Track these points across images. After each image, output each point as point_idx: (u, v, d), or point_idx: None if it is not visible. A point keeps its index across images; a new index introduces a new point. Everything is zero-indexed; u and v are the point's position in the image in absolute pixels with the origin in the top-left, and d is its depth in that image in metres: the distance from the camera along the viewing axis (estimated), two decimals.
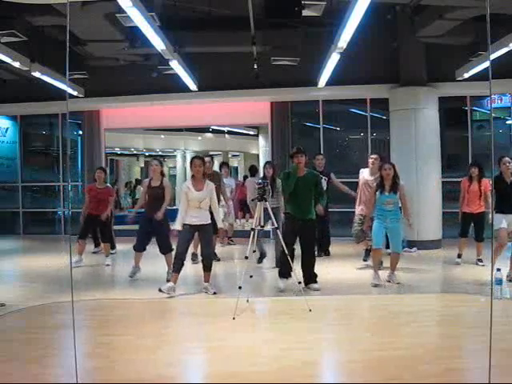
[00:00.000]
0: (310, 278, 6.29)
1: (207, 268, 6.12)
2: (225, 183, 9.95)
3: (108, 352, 4.09)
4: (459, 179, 8.10)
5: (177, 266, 5.99)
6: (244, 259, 5.69)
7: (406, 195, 6.70)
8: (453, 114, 11.48)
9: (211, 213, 6.16)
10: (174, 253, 6.23)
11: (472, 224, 7.78)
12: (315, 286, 6.25)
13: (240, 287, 5.28)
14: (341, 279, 6.98)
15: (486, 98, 10.98)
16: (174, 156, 21.81)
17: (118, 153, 20.17)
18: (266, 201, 5.65)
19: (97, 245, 9.21)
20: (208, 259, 6.15)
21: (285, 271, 6.15)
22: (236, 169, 23.81)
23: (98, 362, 3.89)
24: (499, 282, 5.43)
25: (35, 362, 3.86)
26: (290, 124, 11.62)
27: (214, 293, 6.06)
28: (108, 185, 8.63)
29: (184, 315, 5.50)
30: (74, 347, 3.28)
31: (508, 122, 11.45)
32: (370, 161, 7.56)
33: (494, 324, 2.87)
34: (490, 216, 7.22)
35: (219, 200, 7.43)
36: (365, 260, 7.77)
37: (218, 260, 8.21)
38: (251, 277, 5.98)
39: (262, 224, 5.67)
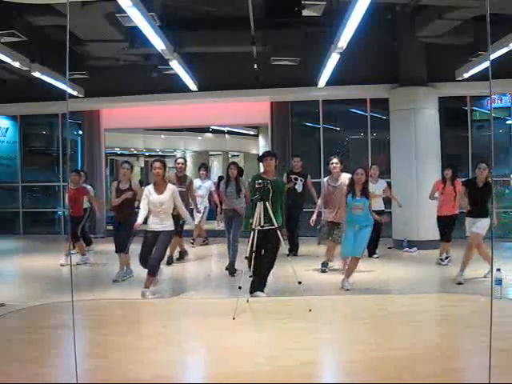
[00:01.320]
0: (259, 285, 5.91)
1: (150, 272, 5.89)
2: (201, 185, 9.96)
3: (107, 352, 4.09)
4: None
5: (150, 270, 5.87)
6: (244, 259, 5.68)
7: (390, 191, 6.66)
8: (453, 114, 11.47)
9: (177, 217, 6.11)
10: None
11: (444, 225, 7.87)
12: (262, 294, 5.89)
13: (240, 287, 5.28)
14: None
15: (486, 97, 10.99)
16: (174, 156, 21.81)
17: (118, 153, 20.15)
18: (266, 201, 5.61)
19: (89, 244, 9.22)
20: (153, 263, 5.87)
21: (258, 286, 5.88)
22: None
23: (97, 362, 3.88)
24: (499, 282, 5.43)
25: (35, 362, 3.86)
26: (290, 124, 11.63)
27: (150, 298, 5.90)
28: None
29: (184, 315, 5.49)
30: (74, 347, 3.28)
31: (508, 122, 11.45)
32: (332, 166, 7.41)
33: (494, 324, 2.87)
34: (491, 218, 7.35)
35: (188, 203, 7.45)
36: (323, 271, 7.46)
37: (170, 264, 8.05)
38: (251, 277, 5.98)
39: (262, 224, 5.64)
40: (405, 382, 3.41)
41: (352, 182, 6.39)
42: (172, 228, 6.01)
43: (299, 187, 8.69)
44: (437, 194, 7.90)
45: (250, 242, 5.51)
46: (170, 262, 8.02)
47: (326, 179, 7.63)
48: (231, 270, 7.27)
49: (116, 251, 6.91)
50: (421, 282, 6.95)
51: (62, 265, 8.04)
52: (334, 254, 7.45)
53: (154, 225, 5.95)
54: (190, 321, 5.19)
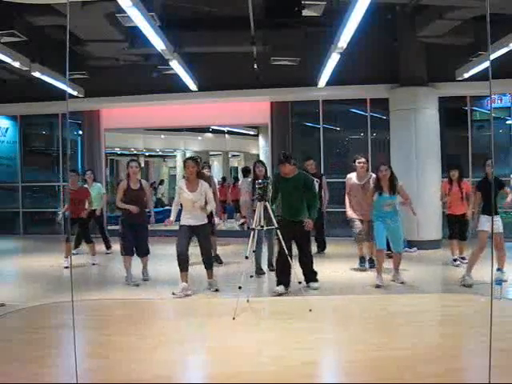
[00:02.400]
0: (309, 276, 6.31)
1: (208, 266, 6.21)
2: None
3: (108, 352, 4.09)
4: (466, 180, 8.09)
5: (182, 265, 6.01)
6: (244, 259, 5.68)
7: (405, 190, 6.72)
8: (453, 114, 11.46)
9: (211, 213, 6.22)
10: (176, 253, 6.12)
11: (458, 225, 7.83)
12: (314, 284, 6.28)
13: (240, 287, 5.28)
14: (336, 279, 6.99)
15: (486, 97, 10.98)
16: (174, 156, 21.82)
17: (118, 153, 20.16)
18: (266, 201, 5.63)
19: (77, 246, 9.04)
20: (207, 257, 6.20)
21: (284, 280, 6.07)
22: (236, 169, 23.80)
23: (97, 362, 3.88)
24: (499, 282, 5.43)
25: (35, 362, 3.86)
26: (290, 124, 11.62)
27: (216, 290, 6.16)
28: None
29: (184, 315, 5.50)
30: (74, 347, 3.28)
31: (508, 122, 11.44)
32: (359, 165, 7.49)
33: (494, 324, 2.87)
34: (470, 216, 7.33)
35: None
36: (361, 267, 7.59)
37: (221, 263, 8.09)
38: (251, 277, 5.98)
39: (262, 224, 5.65)
40: (406, 382, 3.41)
41: (378, 180, 6.43)
42: (206, 221, 6.19)
43: (315, 188, 8.58)
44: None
45: (250, 241, 5.52)
46: (217, 261, 7.90)
47: (351, 176, 7.65)
48: (261, 271, 7.26)
49: (139, 255, 6.81)
50: (421, 282, 6.95)
51: (66, 267, 7.94)
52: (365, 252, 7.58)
53: (189, 220, 6.07)
54: (190, 321, 5.19)
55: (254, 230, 5.58)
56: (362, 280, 6.90)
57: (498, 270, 6.05)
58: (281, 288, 6.06)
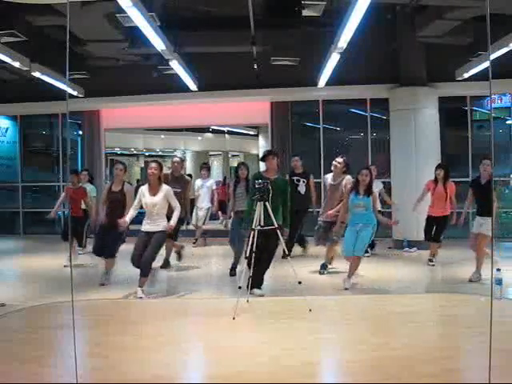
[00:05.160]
0: (256, 283, 5.91)
1: (142, 273, 5.86)
2: (203, 185, 9.95)
3: (108, 352, 4.09)
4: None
5: (142, 271, 5.84)
6: (244, 259, 5.68)
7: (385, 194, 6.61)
8: (453, 114, 11.47)
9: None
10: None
11: (434, 226, 7.78)
12: (259, 291, 5.95)
13: (240, 287, 5.28)
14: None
15: (486, 97, 10.98)
16: (175, 156, 21.80)
17: (118, 153, 20.18)
18: (266, 201, 5.61)
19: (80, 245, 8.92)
20: (144, 264, 5.82)
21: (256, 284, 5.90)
22: (236, 169, 23.80)
23: (97, 361, 3.88)
24: (499, 282, 5.43)
25: (35, 361, 3.86)
26: (290, 124, 11.63)
27: (140, 297, 5.87)
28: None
29: (184, 315, 5.49)
30: (74, 347, 3.28)
31: (508, 122, 11.45)
32: (334, 163, 7.19)
33: (494, 324, 2.87)
34: (462, 217, 7.28)
35: (184, 203, 7.17)
36: (321, 273, 7.29)
37: (167, 266, 7.77)
38: (251, 276, 5.97)
39: (262, 224, 5.64)
40: (405, 382, 3.41)
41: (357, 182, 6.41)
42: (165, 228, 5.95)
43: (302, 189, 8.29)
44: (428, 195, 7.83)
45: (250, 241, 5.51)
46: (165, 266, 7.69)
47: (327, 176, 7.42)
48: (234, 271, 7.19)
49: (101, 255, 6.70)
50: (421, 282, 6.95)
51: (65, 266, 7.91)
52: (334, 256, 7.33)
53: (148, 225, 5.93)
54: (190, 321, 5.19)
55: (253, 230, 5.57)
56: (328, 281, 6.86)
57: (498, 270, 6.05)
58: (258, 290, 5.93)
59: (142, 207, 6.09)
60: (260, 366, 3.76)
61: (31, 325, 5.02)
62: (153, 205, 5.86)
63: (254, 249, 5.47)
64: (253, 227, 5.56)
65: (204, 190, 9.91)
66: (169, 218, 6.02)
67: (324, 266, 7.31)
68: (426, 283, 6.93)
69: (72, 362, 3.08)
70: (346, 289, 6.26)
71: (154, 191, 5.91)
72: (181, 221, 6.99)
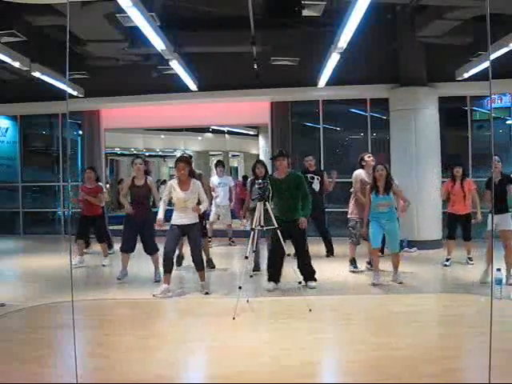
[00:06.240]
0: (307, 275, 6.33)
1: (198, 267, 6.11)
2: (220, 183, 9.97)
3: (108, 352, 4.09)
4: (469, 179, 8.07)
5: (167, 267, 5.99)
6: (244, 259, 5.68)
7: (399, 190, 6.74)
8: (453, 114, 11.46)
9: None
10: (162, 253, 6.16)
11: (459, 225, 7.77)
12: (312, 283, 6.31)
13: (240, 287, 5.28)
14: (336, 279, 6.99)
15: (486, 97, 10.98)
16: (174, 156, 21.81)
17: (118, 153, 20.18)
18: (266, 201, 5.63)
19: (87, 245, 9.06)
20: (197, 257, 6.08)
21: (273, 276, 6.23)
22: (236, 169, 23.82)
23: (98, 361, 3.88)
24: (499, 282, 5.43)
25: (35, 361, 3.86)
26: (290, 124, 11.62)
27: (206, 293, 6.04)
28: (99, 183, 8.53)
29: (184, 315, 5.50)
30: (74, 347, 3.28)
31: (508, 122, 11.44)
32: (370, 159, 7.41)
33: (494, 324, 2.87)
34: (478, 216, 7.36)
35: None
36: (354, 269, 7.42)
37: (213, 267, 7.81)
38: (251, 277, 5.99)
39: (262, 224, 5.65)
40: (405, 382, 3.41)
41: (374, 180, 6.42)
42: (197, 221, 6.11)
43: (316, 186, 8.45)
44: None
45: (251, 241, 5.52)
46: (210, 266, 7.67)
47: (359, 172, 7.47)
48: (257, 268, 7.19)
49: (148, 253, 6.80)
50: (421, 282, 6.94)
51: (75, 266, 7.89)
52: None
53: (180, 219, 6.01)
54: (190, 321, 5.18)
55: (253, 230, 5.58)
56: (358, 280, 6.90)
57: (498, 270, 6.04)
58: (272, 285, 6.18)
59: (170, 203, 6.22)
60: (261, 366, 3.76)
61: (31, 325, 5.02)
62: (184, 200, 5.98)
63: (254, 248, 5.50)
64: (253, 227, 5.58)
65: (222, 188, 9.92)
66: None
67: (354, 262, 7.45)
68: (426, 283, 6.93)
69: (72, 362, 3.08)
70: (401, 283, 6.46)
71: (184, 186, 6.04)
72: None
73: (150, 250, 6.78)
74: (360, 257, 7.60)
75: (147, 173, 6.88)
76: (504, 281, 6.15)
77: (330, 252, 8.74)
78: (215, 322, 4.97)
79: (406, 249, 9.39)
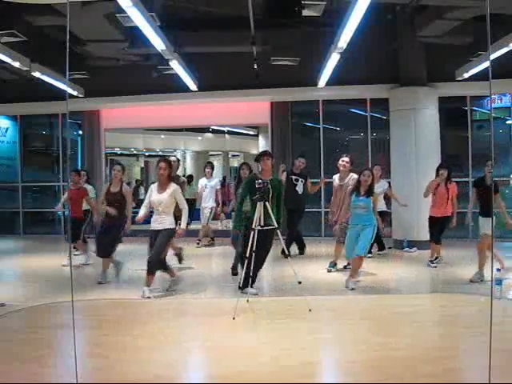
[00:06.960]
0: (253, 280, 5.90)
1: (149, 271, 5.86)
2: (206, 184, 9.91)
3: (108, 352, 4.09)
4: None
5: (149, 269, 5.86)
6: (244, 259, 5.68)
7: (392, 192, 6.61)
8: (453, 114, 11.46)
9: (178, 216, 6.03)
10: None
11: (436, 227, 7.75)
12: (254, 290, 5.91)
13: (240, 287, 5.28)
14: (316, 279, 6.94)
15: (486, 97, 10.98)
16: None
17: (118, 153, 20.18)
18: (266, 201, 5.61)
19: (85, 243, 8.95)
20: (151, 262, 5.85)
21: (251, 281, 5.87)
22: (236, 169, 23.80)
23: (97, 362, 3.88)
24: (499, 282, 5.43)
25: (35, 361, 3.86)
26: (290, 124, 11.62)
27: (148, 297, 5.85)
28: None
29: (184, 315, 5.49)
30: (74, 347, 3.28)
31: (508, 122, 11.44)
32: (343, 163, 7.33)
33: (494, 324, 2.87)
34: (454, 221, 7.45)
35: None
36: (329, 271, 7.40)
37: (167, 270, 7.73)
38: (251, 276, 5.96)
39: (262, 224, 5.64)
40: (405, 382, 3.41)
41: (358, 182, 6.41)
42: (172, 226, 5.96)
43: (300, 188, 8.48)
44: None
45: (250, 241, 5.51)
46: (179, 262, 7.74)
47: (335, 177, 7.59)
48: (236, 270, 7.12)
49: (99, 255, 6.76)
50: (421, 282, 6.94)
51: (64, 265, 7.93)
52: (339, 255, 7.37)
53: (155, 224, 5.96)
54: (190, 321, 5.19)
55: (253, 230, 5.57)
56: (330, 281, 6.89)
57: (498, 270, 6.05)
58: (252, 289, 5.88)
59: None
60: (260, 366, 3.76)
61: (31, 325, 5.02)
62: (158, 202, 5.89)
63: (254, 248, 5.47)
64: (253, 227, 5.56)
65: (208, 190, 9.89)
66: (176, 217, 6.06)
67: (332, 265, 7.42)
68: (426, 283, 6.93)
69: (72, 362, 3.08)
70: (352, 289, 6.24)
71: (161, 189, 5.95)
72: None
73: (104, 252, 6.72)
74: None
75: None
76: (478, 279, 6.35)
77: (301, 250, 8.87)
78: (215, 322, 4.97)
79: (406, 249, 9.40)
